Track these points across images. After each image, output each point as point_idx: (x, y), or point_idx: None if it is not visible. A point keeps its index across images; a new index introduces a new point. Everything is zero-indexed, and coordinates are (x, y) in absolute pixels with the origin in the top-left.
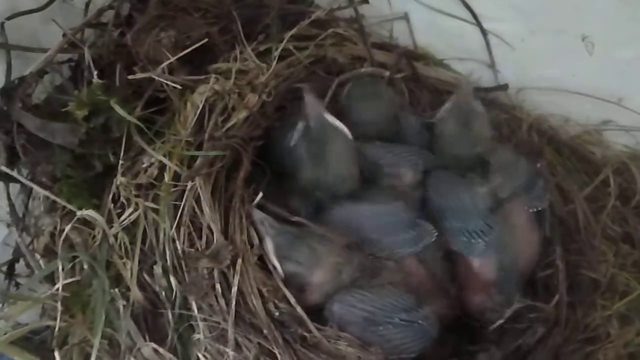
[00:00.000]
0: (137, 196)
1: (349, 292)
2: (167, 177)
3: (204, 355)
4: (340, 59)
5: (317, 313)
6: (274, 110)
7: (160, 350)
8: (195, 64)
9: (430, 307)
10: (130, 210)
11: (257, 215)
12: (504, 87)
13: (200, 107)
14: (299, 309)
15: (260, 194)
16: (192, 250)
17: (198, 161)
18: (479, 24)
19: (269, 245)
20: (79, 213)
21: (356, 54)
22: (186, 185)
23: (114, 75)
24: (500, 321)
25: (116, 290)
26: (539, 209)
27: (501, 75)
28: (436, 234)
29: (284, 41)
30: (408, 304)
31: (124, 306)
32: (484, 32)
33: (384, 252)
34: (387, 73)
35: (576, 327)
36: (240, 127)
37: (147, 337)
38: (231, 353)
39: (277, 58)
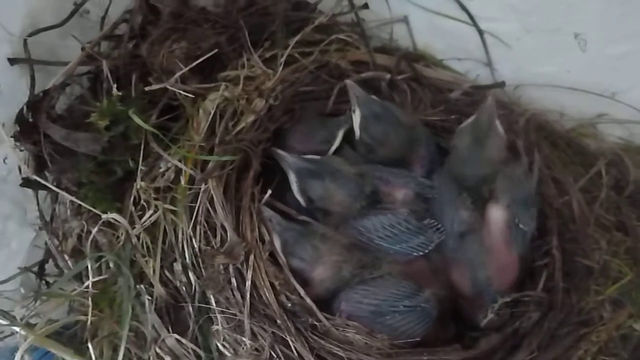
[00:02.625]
0: (156, 199)
1: (353, 289)
2: (182, 181)
3: (223, 344)
4: (343, 63)
5: (323, 304)
6: (282, 114)
7: (183, 340)
8: (205, 72)
9: (429, 290)
10: (150, 212)
11: (266, 212)
12: (501, 85)
13: (212, 113)
14: (308, 300)
15: (269, 192)
16: (208, 248)
17: (210, 164)
18: (475, 24)
19: (277, 242)
20: (104, 216)
21: (358, 58)
22: (200, 188)
23: (129, 85)
24: (485, 321)
25: (141, 286)
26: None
27: (498, 73)
28: (444, 232)
29: (289, 47)
30: (409, 290)
31: (148, 300)
32: (480, 32)
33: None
34: (389, 75)
35: (571, 311)
36: (248, 131)
37: (170, 329)
38: (248, 342)
39: (282, 64)
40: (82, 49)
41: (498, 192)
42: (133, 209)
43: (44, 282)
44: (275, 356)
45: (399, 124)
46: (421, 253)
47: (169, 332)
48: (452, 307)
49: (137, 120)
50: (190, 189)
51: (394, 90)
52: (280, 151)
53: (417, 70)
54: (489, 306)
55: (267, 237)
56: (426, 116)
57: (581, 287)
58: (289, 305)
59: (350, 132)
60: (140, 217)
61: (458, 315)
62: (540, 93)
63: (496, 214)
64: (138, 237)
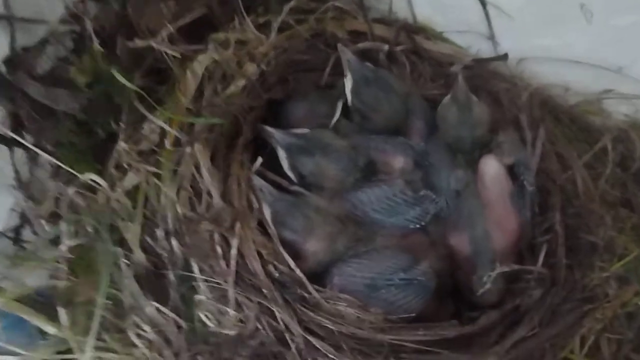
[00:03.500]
0: (138, 162)
1: (346, 262)
2: (167, 143)
3: (206, 315)
4: (339, 33)
5: (316, 279)
6: (276, 82)
7: (163, 309)
8: (195, 36)
9: (426, 262)
10: (132, 175)
11: (257, 181)
12: (504, 57)
13: (200, 74)
14: (298, 272)
15: (260, 160)
16: (193, 213)
17: (197, 127)
18: None
19: (267, 212)
20: (82, 177)
21: (355, 28)
22: (186, 150)
23: (115, 47)
24: (482, 290)
25: (119, 249)
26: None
27: (500, 47)
28: (440, 203)
29: (283, 13)
30: (406, 263)
31: (127, 266)
32: (483, 3)
33: (389, 230)
34: (387, 47)
35: (574, 288)
36: (239, 96)
37: (149, 297)
38: (232, 312)
39: (276, 29)
40: (66, 7)
41: (496, 150)
42: (114, 172)
43: (20, 247)
44: (261, 328)
45: (391, 90)
46: (417, 226)
47: (148, 301)
48: (450, 283)
49: (120, 78)
50: (175, 152)
51: (392, 63)
52: (267, 127)
53: (417, 42)
54: (487, 274)
55: (256, 205)
56: (426, 90)
57: (585, 264)
58: (277, 274)
59: (347, 102)
60: (122, 180)
61: (457, 293)
62: (543, 67)
63: (489, 164)
64: (118, 201)
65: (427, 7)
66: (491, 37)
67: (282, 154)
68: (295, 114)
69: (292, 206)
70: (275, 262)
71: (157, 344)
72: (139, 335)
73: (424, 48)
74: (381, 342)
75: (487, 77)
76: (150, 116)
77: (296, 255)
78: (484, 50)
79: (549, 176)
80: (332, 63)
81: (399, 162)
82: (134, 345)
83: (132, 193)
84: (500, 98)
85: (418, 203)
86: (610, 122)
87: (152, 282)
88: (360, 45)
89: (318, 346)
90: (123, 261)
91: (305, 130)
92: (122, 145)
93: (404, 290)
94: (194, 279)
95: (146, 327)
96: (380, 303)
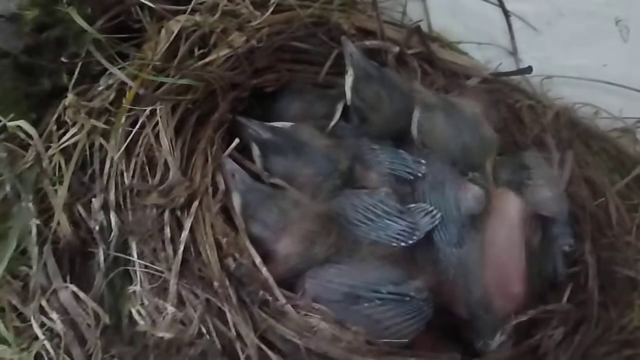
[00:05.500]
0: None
1: (323, 267)
2: (125, 100)
3: (138, 311)
4: (345, 26)
5: (286, 286)
6: (267, 68)
7: (82, 295)
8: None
9: (421, 281)
10: (75, 130)
11: (229, 165)
12: (528, 70)
13: (175, 33)
14: (264, 270)
15: (237, 141)
16: (142, 183)
17: (164, 87)
18: (501, 3)
19: (236, 202)
20: (9, 124)
21: (364, 25)
22: (145, 112)
23: None
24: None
25: (39, 218)
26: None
27: (523, 63)
28: (439, 216)
29: None
30: (396, 276)
31: (45, 237)
32: (506, 13)
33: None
34: (397, 48)
35: (609, 327)
36: (220, 67)
37: (67, 279)
38: (170, 309)
39: (274, 5)
40: None
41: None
42: (55, 128)
43: None
44: (205, 332)
45: (395, 89)
46: (403, 244)
47: (64, 282)
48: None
49: (79, 19)
50: (132, 110)
51: (402, 67)
52: (241, 118)
53: (431, 49)
54: (493, 334)
55: (222, 187)
56: None
57: (621, 301)
58: (233, 266)
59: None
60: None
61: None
62: (571, 88)
63: (510, 202)
64: (51, 162)
65: (445, 15)
66: (514, 52)
67: (255, 151)
68: (288, 112)
69: (267, 198)
70: (236, 254)
71: (66, 339)
72: (43, 326)
73: (439, 57)
74: None
75: (507, 92)
76: (109, 66)
77: (265, 257)
78: (506, 66)
79: (577, 202)
80: (334, 58)
81: (371, 178)
82: (36, 338)
83: (72, 153)
84: (522, 116)
85: (403, 217)
86: None
87: (75, 262)
88: (368, 42)
89: None
90: (38, 228)
91: (285, 124)
92: (70, 97)
93: (394, 308)
94: (130, 263)
95: (54, 316)
96: (362, 320)
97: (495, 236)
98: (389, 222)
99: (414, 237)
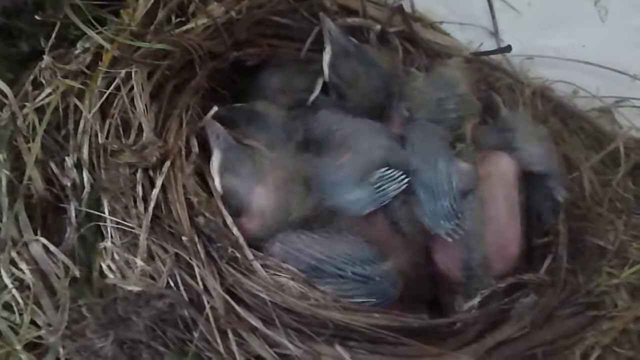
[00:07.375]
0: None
1: (295, 232)
2: (102, 63)
3: (108, 265)
4: (328, 3)
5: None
6: (247, 41)
7: (52, 248)
8: None
9: (392, 263)
10: (49, 90)
11: (213, 127)
12: (507, 49)
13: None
14: (235, 230)
15: (215, 108)
16: (116, 142)
17: (140, 51)
18: None
19: (216, 159)
20: None
21: (347, 3)
22: (120, 74)
23: None
24: (467, 306)
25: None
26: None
27: (504, 44)
28: (406, 180)
29: None
30: (366, 255)
31: (18, 192)
32: None
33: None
34: (379, 26)
35: (576, 291)
36: (199, 35)
37: (39, 232)
38: (140, 263)
39: None
40: None
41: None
42: (30, 88)
43: None
44: (173, 285)
45: (373, 66)
46: (364, 211)
47: (35, 235)
48: (427, 292)
49: None
50: (108, 73)
51: (384, 45)
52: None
53: (413, 28)
54: (473, 300)
55: (196, 150)
56: None
57: (590, 268)
58: (202, 222)
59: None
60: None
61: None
62: (551, 68)
63: (502, 162)
64: (25, 120)
65: None
66: (495, 33)
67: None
68: (269, 85)
69: (244, 154)
70: (207, 214)
71: (35, 289)
72: (12, 275)
73: (421, 37)
74: (325, 321)
75: (487, 71)
76: (86, 29)
77: (238, 211)
78: (487, 47)
79: None
80: (315, 35)
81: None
82: (5, 288)
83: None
84: (500, 93)
85: (362, 185)
86: (623, 131)
87: (47, 217)
88: (350, 20)
89: (243, 315)
90: (12, 183)
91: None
92: (46, 59)
93: (355, 289)
94: (102, 219)
95: (24, 266)
96: None
97: (493, 198)
98: (352, 186)
99: (369, 208)
